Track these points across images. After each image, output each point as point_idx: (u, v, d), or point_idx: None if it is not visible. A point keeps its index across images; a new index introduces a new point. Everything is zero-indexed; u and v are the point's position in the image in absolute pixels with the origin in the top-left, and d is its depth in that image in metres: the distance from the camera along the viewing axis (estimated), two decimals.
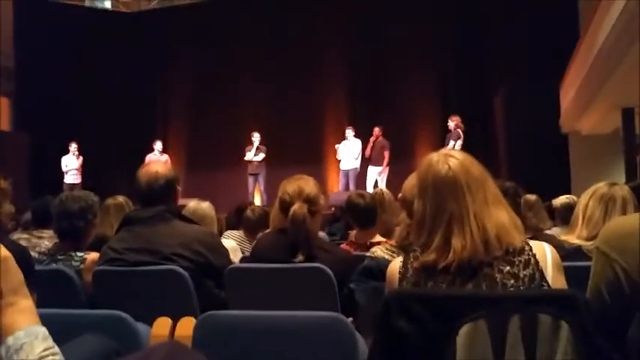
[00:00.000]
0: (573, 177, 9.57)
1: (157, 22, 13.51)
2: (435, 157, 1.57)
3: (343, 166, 10.78)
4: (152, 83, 13.34)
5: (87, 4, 13.88)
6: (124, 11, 13.95)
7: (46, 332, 1.19)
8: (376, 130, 10.49)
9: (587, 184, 2.71)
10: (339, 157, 10.79)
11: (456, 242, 1.44)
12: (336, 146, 10.84)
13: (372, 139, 10.47)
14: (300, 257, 2.42)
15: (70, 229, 2.77)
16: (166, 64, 13.32)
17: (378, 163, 10.42)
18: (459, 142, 9.44)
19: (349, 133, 10.85)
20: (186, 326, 1.76)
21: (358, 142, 10.77)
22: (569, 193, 5.76)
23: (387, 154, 10.39)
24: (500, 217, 1.48)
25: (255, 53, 12.54)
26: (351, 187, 10.44)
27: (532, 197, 4.43)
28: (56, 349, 1.19)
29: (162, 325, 1.81)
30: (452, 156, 1.55)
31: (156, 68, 13.31)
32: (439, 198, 1.50)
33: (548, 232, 3.30)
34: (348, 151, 10.75)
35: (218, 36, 12.74)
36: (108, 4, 14.30)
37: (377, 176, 10.41)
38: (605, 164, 9.04)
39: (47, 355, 1.14)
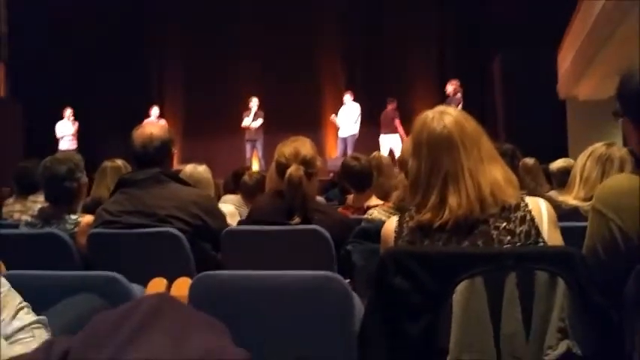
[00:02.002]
0: (570, 142, 9.56)
1: None
2: (429, 114, 1.55)
3: (341, 133, 10.76)
4: (148, 48, 13.17)
5: None
6: None
7: None
8: (391, 104, 10.49)
9: (584, 149, 2.69)
10: (337, 124, 10.76)
11: (452, 200, 1.43)
12: (332, 117, 10.82)
13: (386, 111, 10.46)
14: (297, 219, 2.41)
15: (61, 192, 2.73)
16: (162, 28, 13.13)
17: (390, 131, 10.42)
18: (459, 108, 9.39)
19: (347, 97, 10.80)
20: (182, 286, 1.75)
21: (357, 107, 10.73)
22: (566, 157, 5.75)
23: (398, 121, 10.39)
24: (495, 173, 1.47)
25: (253, 18, 12.37)
26: (349, 152, 10.42)
27: (530, 161, 4.42)
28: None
29: (157, 286, 1.81)
30: (446, 113, 1.53)
31: (152, 32, 13.12)
32: (434, 155, 1.48)
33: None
34: (347, 116, 10.71)
35: (214, 3, 12.55)
36: None
37: (391, 144, 10.42)
38: (602, 130, 8.99)
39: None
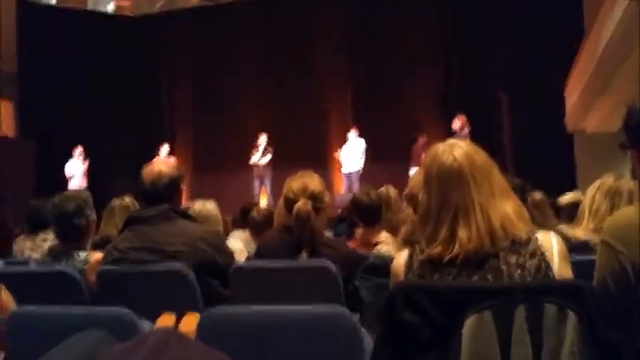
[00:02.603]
0: (579, 175, 9.52)
1: (161, 25, 13.53)
2: (440, 147, 1.56)
3: (345, 169, 10.82)
4: (157, 87, 13.38)
5: (89, 7, 13.91)
6: (127, 15, 13.98)
7: None
8: (422, 138, 10.58)
9: (593, 182, 2.69)
10: (341, 161, 10.83)
11: (462, 234, 1.43)
12: (336, 153, 10.89)
13: (416, 145, 10.54)
14: (305, 254, 2.41)
15: (70, 229, 2.76)
16: (170, 68, 13.35)
17: (418, 164, 10.47)
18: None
19: (352, 134, 10.90)
20: (190, 322, 1.74)
21: (362, 142, 10.81)
22: (575, 191, 5.73)
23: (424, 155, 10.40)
24: (506, 207, 1.47)
25: (260, 57, 12.55)
26: (355, 188, 10.45)
27: (538, 195, 4.39)
28: None
29: (165, 321, 1.80)
30: (457, 146, 1.54)
31: (160, 71, 13.35)
32: (444, 189, 1.48)
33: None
34: (352, 152, 10.78)
35: (222, 40, 12.74)
36: (110, 8, 14.33)
37: None
38: (610, 163, 8.96)
39: None
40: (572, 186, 8.22)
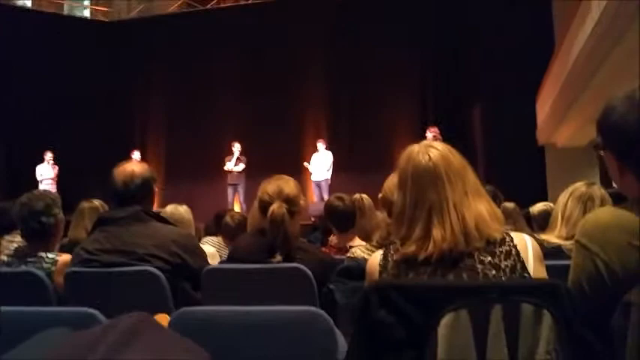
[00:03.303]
0: (549, 188, 9.67)
1: (135, 31, 13.44)
2: (415, 147, 1.55)
3: (314, 177, 10.87)
4: (130, 93, 13.24)
5: (65, 12, 13.75)
6: (102, 20, 13.85)
7: None
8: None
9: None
10: (310, 170, 10.88)
11: (436, 233, 1.43)
12: (305, 164, 10.93)
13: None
14: (279, 258, 2.38)
15: (39, 228, 2.68)
16: (144, 74, 13.23)
17: None
18: None
19: (320, 145, 10.97)
20: (160, 322, 1.70)
21: (329, 155, 10.89)
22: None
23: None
24: (480, 207, 1.47)
25: (235, 63, 12.52)
26: (325, 196, 10.49)
27: (510, 205, 4.45)
28: None
29: None
30: (432, 146, 1.54)
31: (133, 77, 13.22)
32: (419, 189, 1.48)
33: None
34: (320, 163, 10.85)
35: (197, 46, 12.70)
36: (87, 13, 14.18)
37: None
38: (580, 176, 9.11)
39: None
40: (542, 199, 8.33)
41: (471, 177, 1.52)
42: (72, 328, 1.57)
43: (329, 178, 10.83)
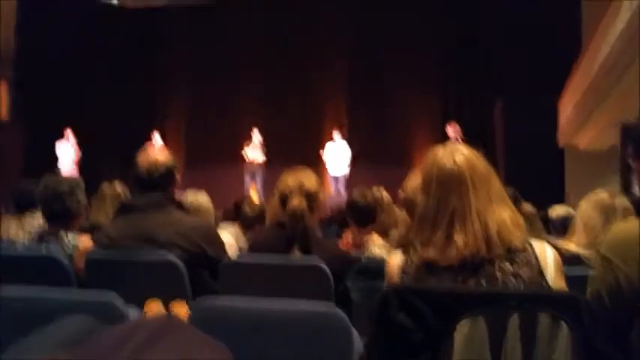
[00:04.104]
0: (568, 191, 9.59)
1: (161, 17, 13.48)
2: (440, 151, 1.55)
3: (332, 171, 10.82)
4: (152, 75, 13.32)
5: None
6: (128, 5, 13.91)
7: None
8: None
9: (582, 198, 2.70)
10: (325, 160, 10.83)
11: (458, 239, 1.43)
12: (322, 151, 10.88)
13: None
14: (297, 252, 2.41)
15: (61, 209, 2.73)
16: (168, 59, 13.30)
17: None
18: None
19: (336, 135, 10.92)
20: (179, 310, 1.74)
21: (345, 145, 10.83)
22: (563, 205, 5.77)
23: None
24: (503, 214, 1.47)
25: (256, 52, 12.55)
26: (342, 191, 10.51)
27: (529, 208, 4.42)
28: None
29: (152, 307, 1.79)
30: (458, 150, 1.54)
31: (157, 61, 13.29)
32: (443, 192, 1.48)
33: None
34: (338, 155, 10.80)
35: (220, 34, 12.74)
36: None
37: None
38: (600, 180, 9.04)
39: None
40: (559, 201, 8.28)
41: (496, 183, 1.52)
42: (93, 314, 1.61)
43: (347, 172, 10.80)
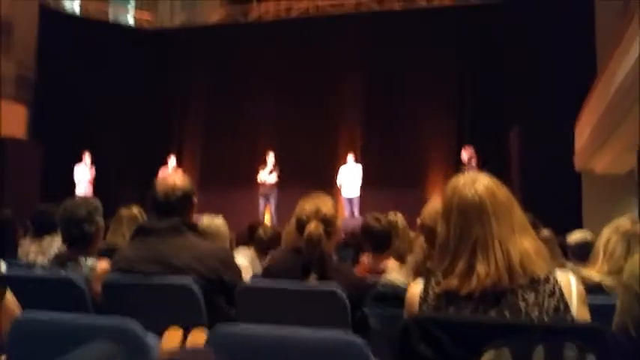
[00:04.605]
0: (585, 216, 9.49)
1: (178, 40, 13.67)
2: (461, 180, 1.54)
3: (346, 193, 10.82)
4: (168, 99, 13.46)
5: (110, 18, 14.07)
6: (146, 27, 14.13)
7: None
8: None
9: (600, 223, 2.67)
10: (339, 182, 10.83)
11: (480, 268, 1.42)
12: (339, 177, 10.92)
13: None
14: (314, 277, 2.39)
15: (79, 235, 2.75)
16: (185, 81, 13.44)
17: None
18: None
19: (350, 158, 10.94)
20: (197, 338, 1.72)
21: (359, 168, 10.84)
22: (580, 230, 5.70)
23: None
24: (526, 244, 1.45)
25: (272, 76, 12.63)
26: (356, 213, 10.48)
27: (547, 233, 4.38)
28: None
29: (172, 336, 1.78)
30: (479, 179, 1.53)
31: (173, 84, 13.44)
32: (464, 222, 1.47)
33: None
34: (352, 178, 10.81)
35: (236, 57, 12.86)
36: (131, 20, 14.49)
37: None
38: (618, 205, 8.95)
39: None
40: (577, 226, 8.19)
41: (518, 212, 1.51)
42: (112, 340, 1.60)
43: (359, 195, 10.82)
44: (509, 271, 1.41)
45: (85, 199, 2.98)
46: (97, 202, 2.92)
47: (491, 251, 1.42)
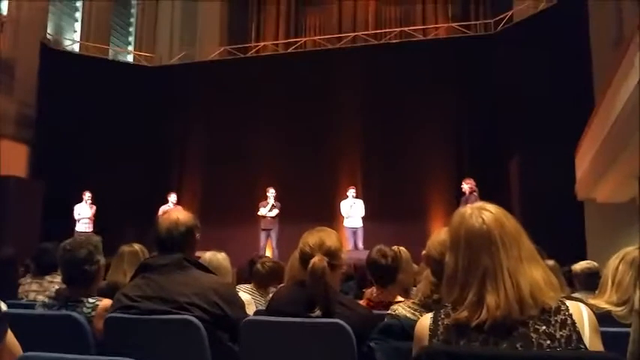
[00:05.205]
0: (589, 245, 9.43)
1: (177, 76, 13.80)
2: (468, 210, 1.53)
3: (349, 223, 10.79)
4: (169, 136, 13.52)
5: (110, 57, 14.24)
6: (145, 65, 14.28)
7: None
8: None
9: (603, 252, 2.65)
10: (344, 213, 10.81)
11: (490, 300, 1.39)
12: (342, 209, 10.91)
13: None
14: (318, 312, 2.36)
15: (80, 275, 2.72)
16: (184, 118, 13.52)
17: None
18: None
19: (351, 192, 10.94)
20: None
21: (361, 203, 10.85)
22: (585, 259, 5.66)
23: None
24: (535, 274, 1.44)
25: (271, 112, 12.72)
26: (360, 245, 10.43)
27: (550, 262, 4.34)
28: None
29: None
30: (486, 209, 1.52)
31: (173, 121, 13.51)
32: (472, 252, 1.45)
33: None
34: (355, 210, 10.80)
35: (235, 93, 12.97)
36: (130, 58, 14.66)
37: None
38: (621, 233, 8.90)
39: None
40: (581, 255, 8.14)
41: (526, 242, 1.49)
42: None
43: (362, 225, 10.80)
44: (520, 302, 1.39)
45: (85, 237, 2.95)
46: (97, 240, 2.89)
47: (500, 282, 1.41)
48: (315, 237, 2.46)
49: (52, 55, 12.43)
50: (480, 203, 1.57)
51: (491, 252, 1.44)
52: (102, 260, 2.84)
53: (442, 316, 1.47)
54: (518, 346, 1.35)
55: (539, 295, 1.40)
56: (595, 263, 4.16)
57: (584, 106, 9.07)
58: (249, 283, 4.56)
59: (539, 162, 9.73)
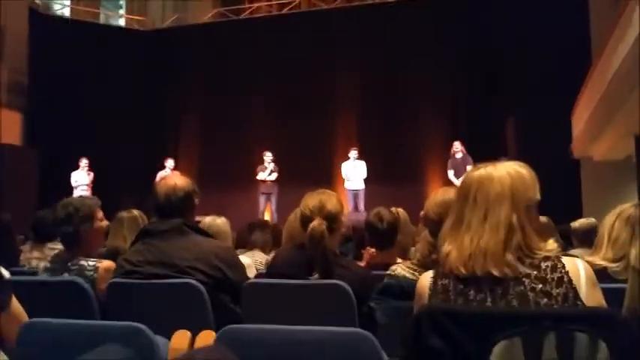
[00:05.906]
0: (585, 202, 9.50)
1: (170, 40, 13.61)
2: (482, 166, 1.55)
3: (351, 186, 10.77)
4: (164, 101, 13.40)
5: (101, 21, 14.02)
6: (137, 29, 14.08)
7: None
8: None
9: (599, 209, 2.67)
10: (344, 175, 10.80)
11: (489, 248, 1.42)
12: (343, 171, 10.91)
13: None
14: (317, 274, 2.39)
15: (74, 234, 2.66)
16: (179, 83, 13.38)
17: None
18: (470, 167, 9.47)
19: (353, 153, 10.89)
20: (206, 340, 1.72)
21: (363, 164, 10.80)
22: (580, 218, 5.71)
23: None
24: (535, 230, 1.46)
25: (268, 73, 12.59)
26: (361, 207, 10.45)
27: (543, 219, 4.38)
28: None
29: (181, 338, 1.77)
30: (500, 165, 1.54)
31: (168, 86, 13.38)
32: (479, 206, 1.47)
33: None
34: (357, 171, 10.76)
35: (230, 55, 12.82)
36: (122, 22, 14.43)
37: None
38: (616, 190, 8.96)
39: None
40: (577, 213, 8.20)
41: (533, 198, 1.51)
42: (121, 344, 1.60)
43: (364, 186, 10.80)
44: (520, 258, 1.41)
45: (82, 198, 2.93)
46: (95, 202, 2.84)
47: (501, 234, 1.43)
48: (315, 200, 2.47)
49: (41, 20, 12.24)
50: (492, 165, 1.57)
51: (500, 207, 1.46)
52: (100, 222, 2.79)
53: (440, 275, 1.49)
54: (514, 303, 1.38)
55: (537, 253, 1.42)
56: (594, 219, 4.19)
57: (581, 65, 9.02)
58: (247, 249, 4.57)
59: (535, 121, 9.72)
